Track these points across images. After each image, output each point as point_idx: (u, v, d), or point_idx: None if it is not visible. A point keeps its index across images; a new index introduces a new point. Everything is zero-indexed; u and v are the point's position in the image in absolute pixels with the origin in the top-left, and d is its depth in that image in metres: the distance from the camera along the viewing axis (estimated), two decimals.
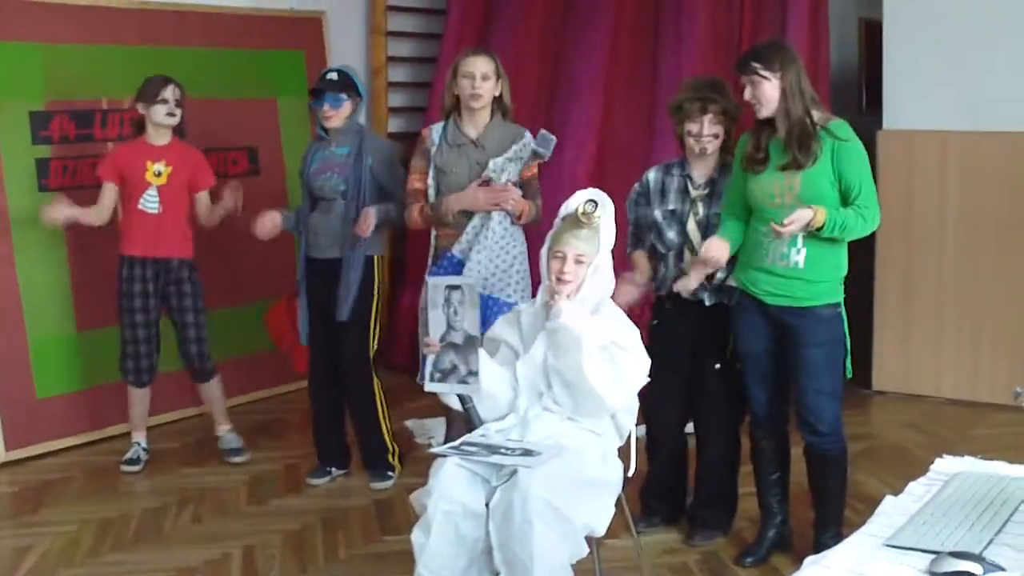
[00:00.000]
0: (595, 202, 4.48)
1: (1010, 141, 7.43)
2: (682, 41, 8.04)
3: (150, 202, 6.49)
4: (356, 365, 6.29)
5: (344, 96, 6.14)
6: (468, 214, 5.73)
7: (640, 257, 5.46)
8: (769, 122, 4.89)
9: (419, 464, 6.23)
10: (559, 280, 4.44)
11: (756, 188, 4.92)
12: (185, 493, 6.29)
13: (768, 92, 4.83)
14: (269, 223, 6.29)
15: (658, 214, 5.37)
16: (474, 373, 4.48)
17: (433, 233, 5.99)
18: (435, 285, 4.64)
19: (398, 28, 9.16)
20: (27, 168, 6.91)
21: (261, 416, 7.47)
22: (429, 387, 4.61)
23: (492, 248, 5.66)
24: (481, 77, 5.77)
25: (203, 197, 6.62)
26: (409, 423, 7.16)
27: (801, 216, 4.70)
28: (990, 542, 2.87)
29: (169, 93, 6.48)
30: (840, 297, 4.97)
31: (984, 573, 2.70)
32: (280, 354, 7.63)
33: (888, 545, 2.91)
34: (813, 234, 4.78)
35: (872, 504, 4.93)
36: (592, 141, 8.16)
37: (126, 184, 6.53)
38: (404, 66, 9.28)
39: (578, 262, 4.44)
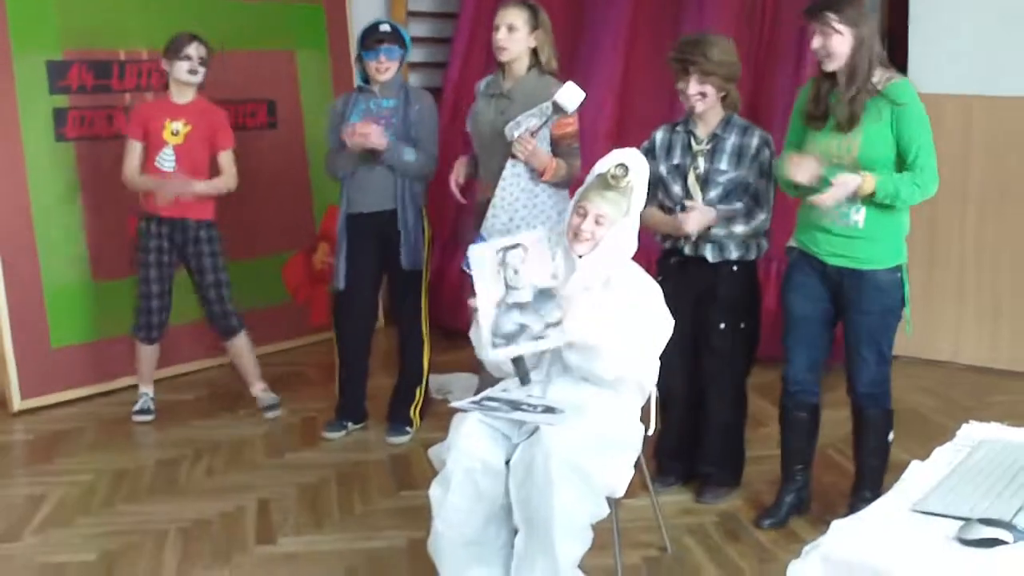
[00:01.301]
0: (625, 166, 4.41)
1: None
2: (704, 1, 7.99)
3: (166, 160, 6.44)
4: (412, 314, 6.32)
5: (397, 47, 6.10)
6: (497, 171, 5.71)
7: (652, 212, 5.39)
8: (831, 76, 4.81)
9: (435, 419, 6.25)
10: (575, 236, 4.41)
11: (814, 146, 4.87)
12: (200, 445, 6.29)
13: (838, 46, 4.73)
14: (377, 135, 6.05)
15: (663, 169, 5.38)
16: (553, 324, 4.27)
17: (480, 190, 5.97)
18: (480, 255, 4.42)
19: None
20: (44, 118, 6.90)
21: (278, 368, 7.43)
22: (493, 354, 4.34)
23: (508, 205, 5.63)
24: (507, 28, 5.71)
25: (224, 158, 6.53)
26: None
27: (846, 184, 4.67)
28: (1020, 509, 2.84)
29: (193, 50, 6.42)
30: (902, 259, 4.92)
31: (1015, 540, 2.67)
32: (297, 307, 7.62)
33: (915, 511, 2.89)
34: (864, 198, 4.74)
35: (891, 467, 4.98)
36: (611, 101, 8.12)
37: (148, 140, 6.49)
38: (425, 21, 9.21)
39: (598, 223, 4.37)
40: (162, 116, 6.46)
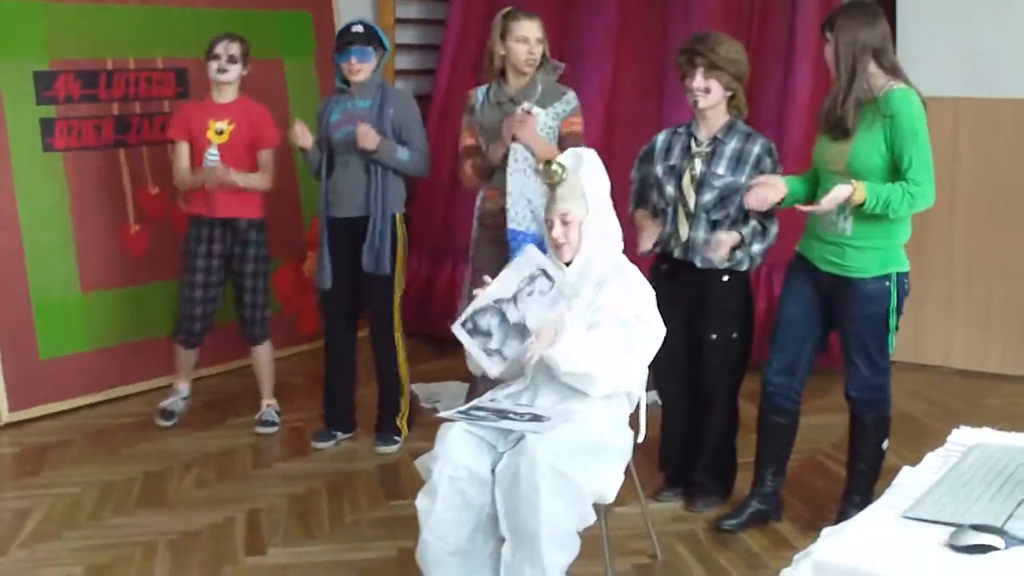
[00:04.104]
0: (548, 161, 4.50)
1: (1022, 109, 7.34)
2: (691, 5, 7.98)
3: (211, 160, 6.42)
4: (381, 320, 6.27)
5: (371, 49, 6.08)
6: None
7: (642, 215, 5.46)
8: None
9: (425, 429, 6.21)
10: (556, 245, 4.44)
11: (817, 151, 4.93)
12: (189, 456, 6.26)
13: (828, 54, 4.83)
14: (302, 135, 6.14)
15: (659, 169, 5.39)
16: (502, 356, 4.46)
17: (480, 195, 5.96)
18: (531, 257, 4.52)
19: None
20: (31, 128, 6.86)
21: None
22: (455, 330, 4.54)
23: (520, 193, 5.64)
24: (536, 41, 5.77)
25: (263, 156, 6.50)
26: (414, 387, 7.07)
27: (838, 194, 4.67)
28: (1011, 515, 2.81)
29: (221, 48, 6.43)
30: (894, 267, 4.88)
31: (1007, 546, 2.64)
32: (285, 317, 7.59)
33: (906, 517, 2.86)
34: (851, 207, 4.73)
35: (882, 472, 4.94)
36: (600, 105, 8.11)
37: (193, 142, 6.48)
38: (412, 28, 9.21)
39: (565, 222, 4.42)
40: (205, 117, 6.46)
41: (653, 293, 4.48)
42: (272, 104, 7.80)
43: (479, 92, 5.97)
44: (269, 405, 6.77)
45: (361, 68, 6.07)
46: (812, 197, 4.95)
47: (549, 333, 4.27)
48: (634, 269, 4.52)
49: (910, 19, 7.65)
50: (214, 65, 6.42)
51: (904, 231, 4.92)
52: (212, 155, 6.42)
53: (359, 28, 6.09)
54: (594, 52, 8.21)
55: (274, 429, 6.67)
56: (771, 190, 4.94)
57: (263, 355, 6.75)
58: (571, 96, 5.84)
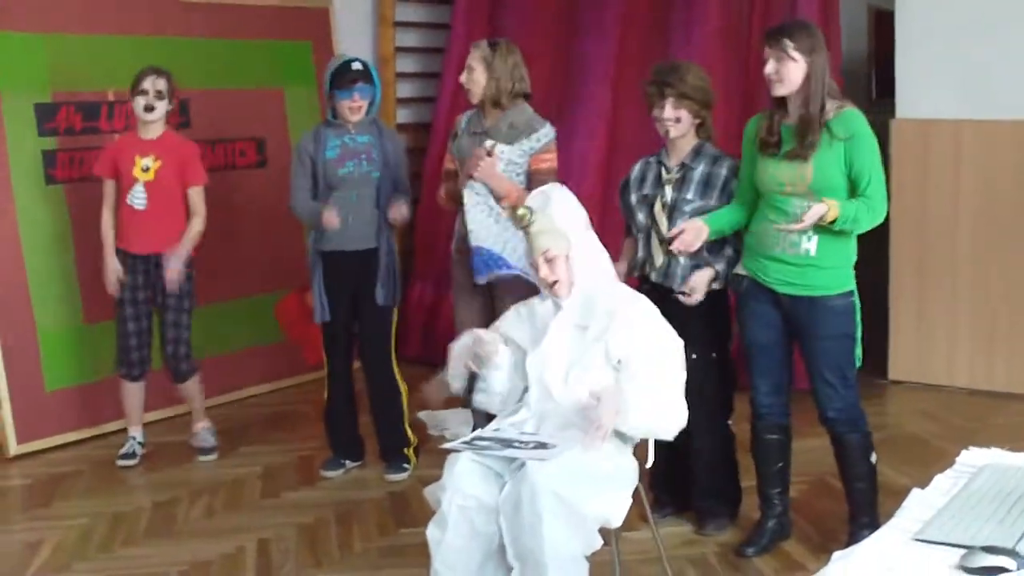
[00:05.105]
0: (514, 208, 4.52)
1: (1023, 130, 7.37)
2: (692, 30, 8.01)
3: (137, 198, 6.37)
4: (380, 353, 6.26)
5: (369, 87, 6.10)
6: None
7: (626, 244, 5.50)
8: (783, 104, 4.84)
9: (433, 456, 6.18)
10: (549, 286, 4.42)
11: (765, 173, 4.88)
12: (197, 486, 6.25)
13: (793, 73, 4.77)
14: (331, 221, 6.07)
15: (633, 198, 5.41)
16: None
17: (458, 219, 5.93)
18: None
19: (406, 18, 9.12)
20: (33, 160, 6.88)
21: (273, 408, 7.43)
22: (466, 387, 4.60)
23: (482, 231, 5.66)
24: (467, 70, 5.76)
25: (193, 195, 6.43)
26: (422, 415, 7.10)
27: (815, 212, 4.67)
28: (1023, 536, 2.82)
29: (148, 84, 6.37)
30: (852, 284, 4.92)
31: (1018, 568, 2.64)
32: (291, 346, 7.60)
33: (917, 539, 2.86)
34: (822, 225, 4.74)
35: (891, 494, 4.96)
36: (602, 129, 8.13)
37: (119, 179, 6.43)
38: (412, 56, 9.23)
39: (549, 259, 4.39)
40: (131, 153, 6.39)
41: (655, 308, 4.47)
42: (273, 133, 7.86)
43: (463, 119, 5.98)
44: (205, 427, 6.76)
45: (362, 105, 6.09)
46: (745, 224, 5.04)
47: (612, 405, 4.17)
48: (631, 292, 4.53)
49: (911, 41, 7.67)
50: (141, 101, 6.36)
51: (855, 249, 4.96)
52: (138, 193, 6.35)
53: (359, 65, 6.09)
54: (595, 78, 8.22)
55: (212, 456, 6.69)
56: (692, 233, 5.02)
57: (191, 389, 6.70)
58: (544, 132, 5.75)
